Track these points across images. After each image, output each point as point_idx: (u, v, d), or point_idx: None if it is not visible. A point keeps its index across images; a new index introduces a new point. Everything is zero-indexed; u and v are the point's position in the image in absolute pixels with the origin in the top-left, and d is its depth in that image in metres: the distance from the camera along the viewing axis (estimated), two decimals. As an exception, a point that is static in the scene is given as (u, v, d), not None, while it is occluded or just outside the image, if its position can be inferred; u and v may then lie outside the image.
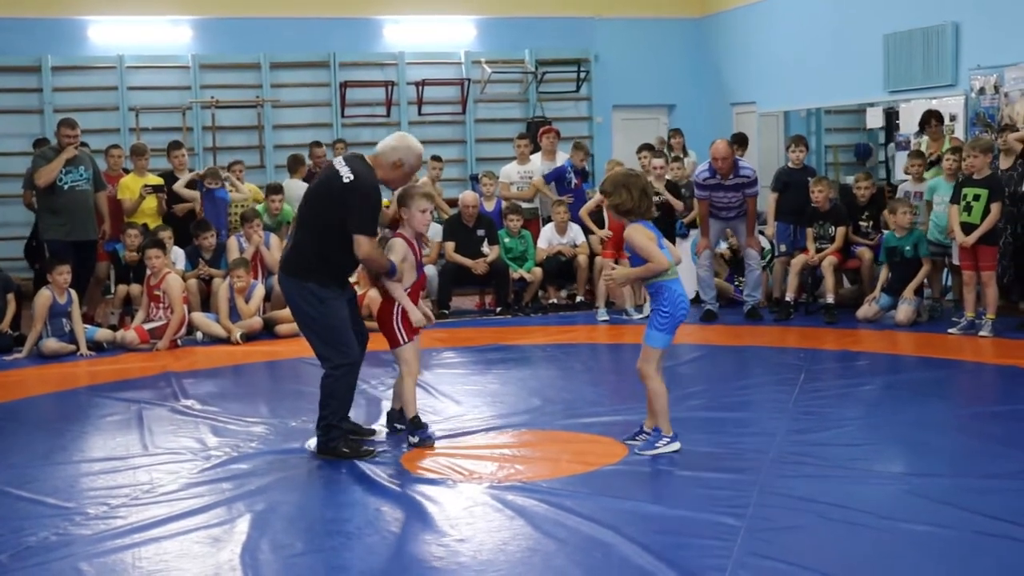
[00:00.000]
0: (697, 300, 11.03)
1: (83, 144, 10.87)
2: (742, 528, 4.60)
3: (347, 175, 5.81)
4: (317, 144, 13.28)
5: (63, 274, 9.66)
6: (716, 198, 10.60)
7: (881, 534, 4.57)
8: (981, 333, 9.22)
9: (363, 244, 5.79)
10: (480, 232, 11.57)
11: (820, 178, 10.83)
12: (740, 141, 12.69)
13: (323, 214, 5.90)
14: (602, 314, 10.82)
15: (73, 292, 9.78)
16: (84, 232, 10.51)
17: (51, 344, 9.56)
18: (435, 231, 11.65)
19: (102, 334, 10.00)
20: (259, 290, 10.53)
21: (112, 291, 11.18)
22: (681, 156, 13.01)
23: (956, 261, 10.15)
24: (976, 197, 9.37)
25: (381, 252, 5.97)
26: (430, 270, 11.42)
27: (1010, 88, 11.22)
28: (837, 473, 5.44)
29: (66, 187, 10.37)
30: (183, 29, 15.21)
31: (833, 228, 10.59)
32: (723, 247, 11.37)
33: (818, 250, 10.59)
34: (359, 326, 6.21)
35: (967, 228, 9.42)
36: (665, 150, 13.26)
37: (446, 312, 11.30)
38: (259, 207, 11.65)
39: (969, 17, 11.88)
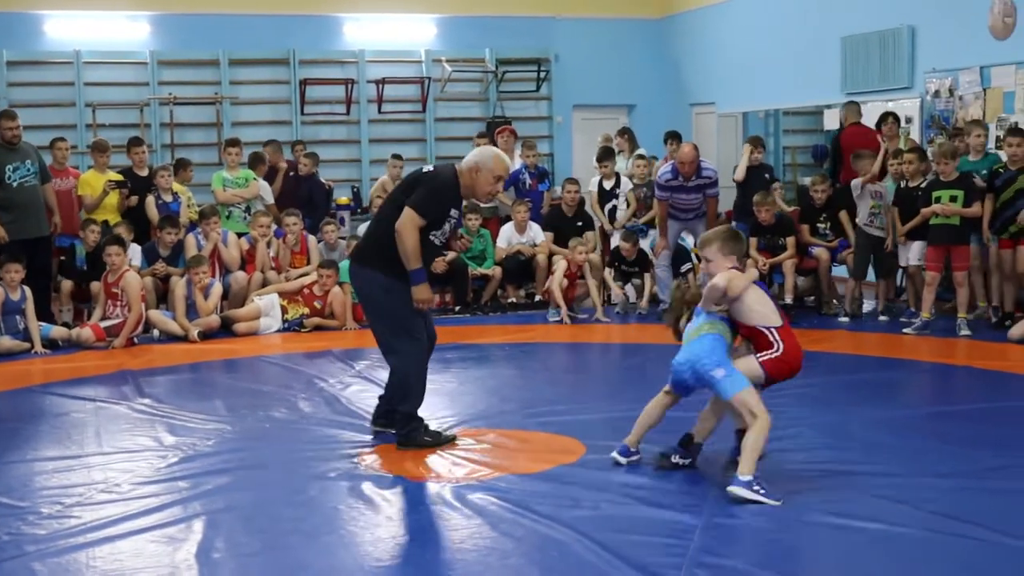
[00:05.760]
0: (655, 300, 11.10)
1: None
2: (698, 527, 4.63)
3: (428, 168, 6.16)
4: (273, 143, 13.20)
5: (16, 272, 9.56)
6: (677, 199, 10.65)
7: (836, 533, 4.61)
8: (963, 333, 9.29)
9: (405, 215, 5.91)
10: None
11: (764, 195, 10.74)
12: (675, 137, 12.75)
13: (397, 204, 6.05)
14: (553, 314, 10.83)
15: (27, 289, 9.67)
16: (37, 228, 10.35)
17: (5, 342, 9.44)
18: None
19: (57, 331, 9.89)
20: (216, 288, 10.46)
21: (57, 288, 10.99)
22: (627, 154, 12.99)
23: (903, 263, 10.27)
24: (952, 199, 9.47)
25: (415, 236, 5.95)
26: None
27: (964, 91, 11.35)
28: (793, 472, 5.48)
29: (15, 183, 10.18)
30: (141, 25, 15.08)
31: (782, 239, 10.66)
32: (625, 245, 11.21)
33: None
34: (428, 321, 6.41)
35: (945, 230, 9.50)
36: (615, 147, 13.18)
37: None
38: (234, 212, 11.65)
39: (925, 21, 12.00)
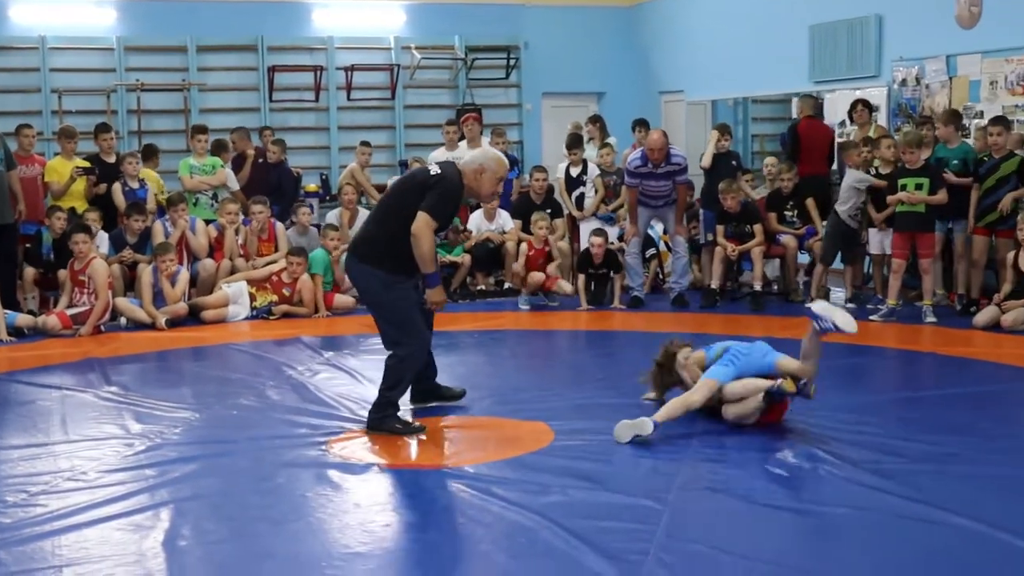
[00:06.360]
0: (625, 290, 11.12)
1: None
2: (665, 512, 4.65)
3: (435, 170, 6.17)
4: (241, 129, 13.14)
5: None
6: (647, 186, 10.66)
7: (802, 517, 4.65)
8: (928, 320, 9.41)
9: (422, 220, 5.96)
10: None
11: (729, 183, 10.78)
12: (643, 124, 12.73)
13: (403, 203, 6.10)
14: (523, 302, 10.84)
15: (-8, 277, 9.61)
16: (1, 216, 10.26)
17: (-30, 330, 9.38)
18: (364, 217, 11.63)
19: (23, 319, 9.81)
20: (184, 275, 10.41)
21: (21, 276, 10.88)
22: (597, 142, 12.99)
23: (874, 250, 10.35)
24: (918, 187, 9.55)
25: (432, 240, 6.02)
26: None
27: (931, 80, 11.43)
28: (759, 458, 5.51)
29: None
30: (107, 10, 14.94)
31: (749, 226, 10.72)
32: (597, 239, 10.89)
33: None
34: (426, 312, 6.43)
35: (911, 217, 9.57)
36: (584, 134, 13.18)
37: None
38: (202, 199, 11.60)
39: (892, 9, 12.07)
